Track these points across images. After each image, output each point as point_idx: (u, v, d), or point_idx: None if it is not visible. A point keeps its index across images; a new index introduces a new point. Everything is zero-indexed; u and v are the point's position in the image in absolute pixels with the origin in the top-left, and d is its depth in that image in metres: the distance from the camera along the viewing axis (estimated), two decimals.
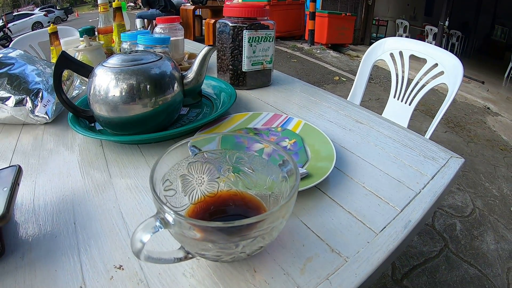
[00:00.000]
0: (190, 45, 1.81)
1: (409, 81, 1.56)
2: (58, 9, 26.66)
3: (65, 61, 0.73)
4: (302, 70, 5.84)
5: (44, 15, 20.84)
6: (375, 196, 0.57)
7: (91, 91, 0.70)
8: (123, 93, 0.66)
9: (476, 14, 11.62)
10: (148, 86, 0.67)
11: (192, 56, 1.42)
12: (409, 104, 1.56)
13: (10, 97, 0.86)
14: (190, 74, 0.76)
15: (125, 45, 1.26)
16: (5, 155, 0.75)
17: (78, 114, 0.78)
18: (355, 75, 1.74)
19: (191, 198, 0.47)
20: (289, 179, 0.42)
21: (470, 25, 11.56)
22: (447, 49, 1.44)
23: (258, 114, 0.81)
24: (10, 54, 0.98)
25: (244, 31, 0.95)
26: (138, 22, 6.76)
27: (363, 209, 0.53)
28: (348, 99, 1.71)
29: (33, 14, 20.50)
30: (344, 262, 0.44)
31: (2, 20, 14.94)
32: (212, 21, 6.93)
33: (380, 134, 0.79)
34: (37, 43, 2.27)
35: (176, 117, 0.79)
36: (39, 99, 0.89)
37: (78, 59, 1.36)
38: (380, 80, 5.35)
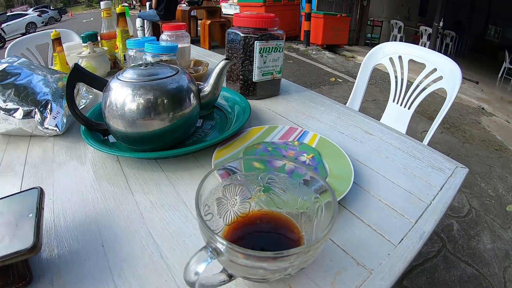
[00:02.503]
0: (192, 50, 1.80)
1: (408, 85, 1.57)
2: (52, 9, 26.49)
3: (78, 74, 0.72)
4: (298, 71, 5.85)
5: (38, 15, 20.70)
6: (391, 209, 0.59)
7: (107, 105, 0.68)
8: (141, 109, 0.65)
9: (469, 13, 11.69)
10: (166, 101, 0.66)
11: (198, 63, 1.41)
12: (408, 108, 1.57)
13: (18, 108, 0.84)
14: (207, 87, 0.75)
15: (131, 53, 1.25)
16: (16, 169, 0.74)
17: (92, 127, 0.77)
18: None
19: (225, 219, 0.47)
20: (322, 196, 0.43)
21: (463, 24, 11.63)
22: (441, 50, 1.47)
23: (274, 127, 0.81)
24: (15, 63, 0.96)
25: (255, 42, 0.95)
26: (138, 21, 6.80)
27: (381, 222, 0.55)
28: (348, 103, 1.74)
29: (26, 14, 20.34)
30: (369, 274, 0.46)
31: None
32: (208, 22, 6.91)
33: (390, 145, 0.80)
34: (34, 46, 2.24)
35: (193, 130, 0.78)
36: (48, 110, 0.87)
37: (82, 65, 1.35)
38: (376, 81, 5.37)
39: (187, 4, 8.10)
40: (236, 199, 0.48)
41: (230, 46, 1.02)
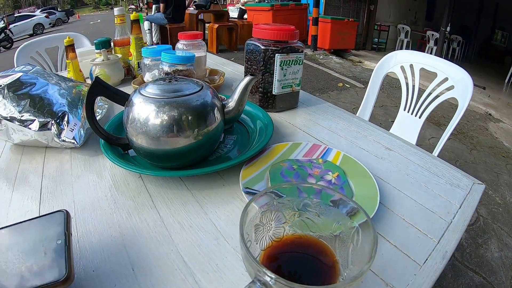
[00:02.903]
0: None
1: (420, 93, 1.57)
2: (59, 11, 26.69)
3: (99, 88, 0.70)
4: (306, 76, 5.83)
5: (45, 16, 20.85)
6: (414, 228, 0.59)
7: (129, 121, 0.67)
8: (166, 126, 0.64)
9: (476, 18, 11.63)
10: (191, 119, 0.65)
11: (214, 73, 1.39)
12: (419, 117, 1.57)
13: (34, 120, 0.82)
14: (231, 103, 0.73)
15: (147, 61, 1.24)
16: (33, 182, 0.73)
17: (112, 142, 0.75)
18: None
19: (261, 244, 0.46)
20: (353, 218, 0.44)
21: (470, 29, 11.57)
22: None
23: (298, 144, 0.80)
24: (30, 72, 0.94)
25: (276, 54, 0.93)
26: (146, 24, 6.83)
27: (406, 242, 0.56)
28: (359, 111, 1.75)
29: (34, 15, 20.45)
30: None
31: (4, 22, 14.91)
32: (216, 25, 6.90)
33: (409, 161, 0.80)
34: (44, 49, 2.24)
35: (216, 146, 0.77)
36: (65, 122, 0.86)
37: (96, 73, 1.34)
38: (383, 86, 5.32)
39: (194, 7, 8.12)
40: (271, 224, 0.47)
41: (249, 57, 1.01)
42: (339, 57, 7.54)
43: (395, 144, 0.88)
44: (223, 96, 0.78)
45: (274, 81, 0.97)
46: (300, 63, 0.99)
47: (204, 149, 0.72)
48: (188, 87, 0.68)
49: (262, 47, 0.94)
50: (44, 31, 19.34)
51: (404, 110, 1.65)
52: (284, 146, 0.79)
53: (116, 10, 1.44)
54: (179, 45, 1.26)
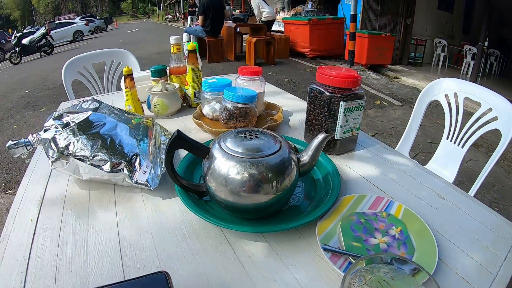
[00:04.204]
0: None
1: (462, 123, 1.56)
2: (99, 19, 27.52)
3: (180, 141, 0.73)
4: None
5: (85, 24, 21.56)
6: (466, 282, 0.61)
7: (210, 174, 0.70)
8: (248, 184, 0.67)
9: None
10: (272, 176, 0.68)
11: (271, 107, 1.42)
12: (462, 147, 1.56)
13: (106, 161, 0.85)
14: (306, 157, 0.76)
15: (207, 95, 1.28)
16: (109, 223, 0.77)
17: (189, 189, 0.79)
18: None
19: None
20: (417, 275, 0.47)
21: (508, 42, 11.23)
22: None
23: (363, 196, 0.83)
24: (100, 111, 0.96)
25: (341, 102, 0.96)
26: (184, 36, 6.94)
27: None
28: (401, 140, 1.75)
29: (74, 22, 21.23)
30: None
31: (45, 28, 15.45)
32: (254, 39, 6.95)
33: (460, 211, 0.82)
34: (91, 64, 2.33)
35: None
36: (137, 164, 0.88)
37: (154, 102, 1.39)
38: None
39: (232, 21, 8.23)
40: (354, 286, 0.49)
41: (312, 101, 1.03)
42: (376, 73, 7.46)
43: (447, 192, 0.89)
44: (292, 143, 0.80)
45: (337, 127, 0.99)
46: (361, 109, 1.01)
47: (281, 203, 0.75)
48: (269, 145, 0.72)
49: (327, 94, 0.96)
50: (83, 38, 20.00)
51: (447, 139, 1.64)
52: (351, 199, 0.82)
53: (172, 39, 1.48)
54: (239, 80, 1.28)
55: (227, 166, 0.68)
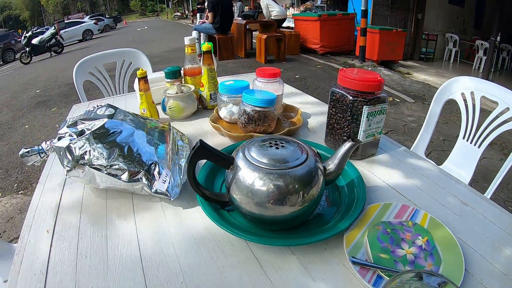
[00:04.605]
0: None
1: (479, 122, 1.55)
2: (108, 18, 27.63)
3: (204, 152, 0.71)
4: None
5: (94, 23, 21.68)
6: None
7: (234, 184, 0.68)
8: (272, 194, 0.64)
9: None
10: (298, 187, 0.65)
11: (289, 109, 1.39)
12: (478, 147, 1.54)
13: (124, 170, 0.83)
14: (332, 166, 0.73)
15: (224, 98, 1.26)
16: (129, 233, 0.75)
17: (211, 200, 0.77)
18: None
19: None
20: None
21: None
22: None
23: (389, 205, 0.81)
24: (116, 118, 0.93)
25: (364, 106, 0.93)
26: (194, 34, 6.98)
27: None
28: (417, 139, 1.75)
29: (83, 22, 21.32)
30: None
31: (55, 27, 15.54)
32: (264, 36, 6.90)
33: (485, 219, 0.79)
34: (102, 64, 2.33)
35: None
36: (156, 173, 0.86)
37: (169, 104, 1.37)
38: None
39: (242, 17, 8.21)
40: None
41: (334, 105, 1.00)
42: (387, 69, 7.39)
43: (470, 198, 0.87)
44: (316, 150, 0.78)
45: (360, 131, 0.97)
46: (384, 113, 0.98)
47: (308, 214, 0.73)
48: (296, 155, 0.69)
49: (350, 98, 0.94)
50: (93, 37, 20.11)
51: (463, 138, 1.62)
52: (377, 207, 0.80)
53: (186, 40, 1.45)
54: (257, 82, 1.26)
55: (252, 178, 0.66)
